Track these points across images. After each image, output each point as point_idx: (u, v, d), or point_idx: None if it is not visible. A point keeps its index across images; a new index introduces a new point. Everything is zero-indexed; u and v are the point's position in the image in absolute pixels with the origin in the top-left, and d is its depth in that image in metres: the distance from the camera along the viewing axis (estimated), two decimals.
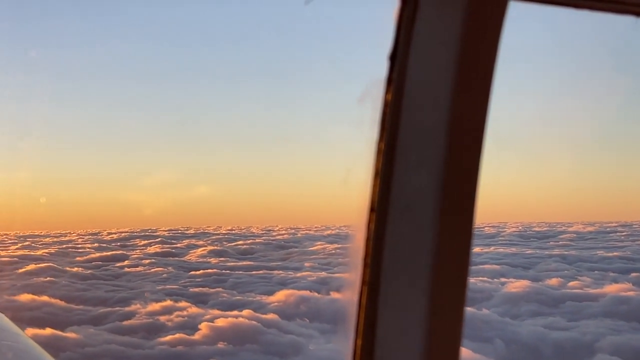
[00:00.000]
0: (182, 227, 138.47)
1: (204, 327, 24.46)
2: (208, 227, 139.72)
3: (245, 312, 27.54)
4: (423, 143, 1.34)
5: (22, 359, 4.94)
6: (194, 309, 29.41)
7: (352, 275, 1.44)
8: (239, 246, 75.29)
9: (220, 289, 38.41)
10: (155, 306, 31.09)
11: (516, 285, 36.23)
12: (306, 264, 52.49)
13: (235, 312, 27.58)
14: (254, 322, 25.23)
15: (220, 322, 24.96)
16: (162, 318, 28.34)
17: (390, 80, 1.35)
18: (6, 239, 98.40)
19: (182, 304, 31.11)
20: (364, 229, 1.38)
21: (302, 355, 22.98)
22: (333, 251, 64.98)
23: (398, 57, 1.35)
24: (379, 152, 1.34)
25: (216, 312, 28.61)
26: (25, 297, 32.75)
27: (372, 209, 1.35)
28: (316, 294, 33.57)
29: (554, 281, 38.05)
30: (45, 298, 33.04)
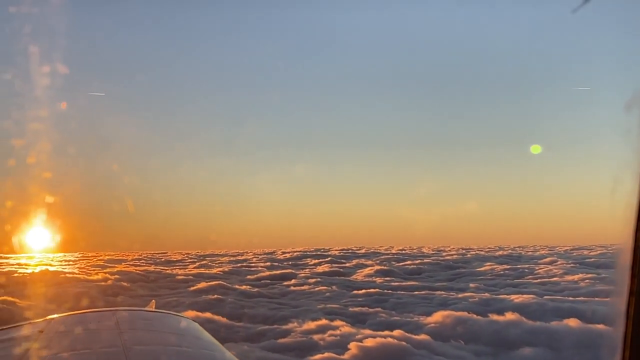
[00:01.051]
0: (354, 247, 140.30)
1: (353, 347, 24.29)
2: (380, 247, 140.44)
3: (396, 332, 27.07)
4: None
5: None
6: (347, 329, 29.30)
7: (618, 287, 1.37)
8: (407, 266, 74.92)
9: (379, 309, 38.08)
10: (310, 325, 31.33)
11: None
12: (471, 285, 51.15)
13: (386, 332, 27.21)
14: (403, 343, 24.74)
15: (369, 342, 24.70)
16: (316, 337, 28.45)
17: None
18: (186, 258, 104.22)
19: (337, 322, 31.09)
20: (631, 238, 1.33)
21: None
22: (501, 272, 62.96)
23: None
24: None
25: (368, 332, 28.36)
26: (189, 314, 34.11)
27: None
28: (474, 316, 32.45)
29: None
30: (208, 314, 34.25)
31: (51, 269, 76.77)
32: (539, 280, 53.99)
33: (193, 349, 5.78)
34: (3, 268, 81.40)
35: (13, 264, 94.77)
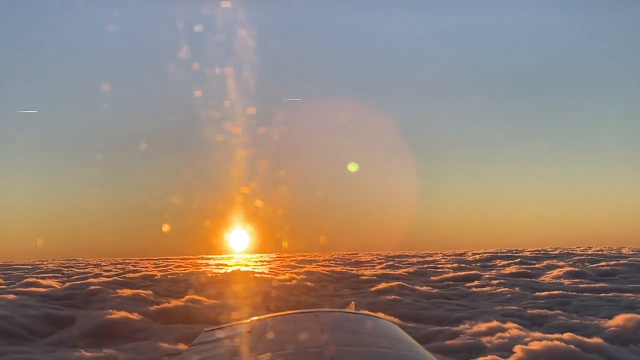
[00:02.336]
0: (549, 248, 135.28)
1: (518, 350, 23.68)
2: (577, 247, 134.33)
3: (567, 335, 25.97)
4: None
5: None
6: (516, 331, 28.49)
7: None
8: (600, 267, 71.15)
9: (559, 311, 36.68)
10: (481, 327, 30.83)
11: None
12: None
13: (555, 335, 26.20)
14: (571, 347, 23.72)
15: (534, 345, 23.92)
16: (485, 339, 27.98)
17: None
18: (375, 259, 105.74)
19: (509, 325, 30.32)
20: None
21: None
22: None
23: None
24: None
25: (538, 334, 27.41)
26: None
27: None
28: None
29: None
30: (380, 314, 34.73)
31: (244, 269, 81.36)
32: None
33: (394, 350, 5.81)
34: (199, 268, 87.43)
35: (211, 265, 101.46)
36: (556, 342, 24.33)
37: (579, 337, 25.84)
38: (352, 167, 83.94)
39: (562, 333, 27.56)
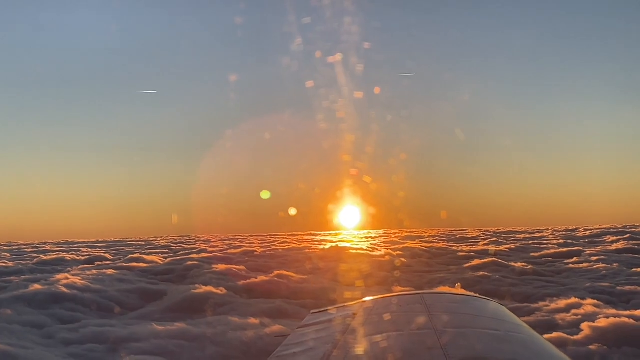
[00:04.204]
0: None
1: (585, 327, 23.05)
2: None
3: (638, 312, 25.08)
4: None
5: (533, 352, 5.29)
6: (591, 308, 27.68)
7: None
8: None
9: None
10: (560, 304, 30.14)
11: None
12: None
13: (628, 312, 25.28)
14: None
15: (601, 323, 23.17)
16: (560, 316, 27.39)
17: None
18: (482, 235, 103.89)
19: (587, 301, 29.49)
20: None
21: None
22: None
23: None
24: None
25: (612, 311, 26.53)
26: (441, 289, 34.60)
27: None
28: None
29: None
30: (462, 291, 34.48)
31: (345, 245, 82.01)
32: None
33: (502, 331, 5.74)
34: (301, 244, 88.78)
35: (316, 241, 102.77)
36: (624, 319, 23.54)
37: None
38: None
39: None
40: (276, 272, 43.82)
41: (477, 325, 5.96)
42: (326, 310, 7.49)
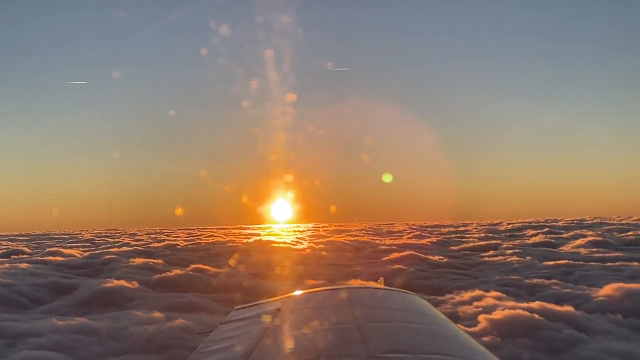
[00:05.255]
0: (588, 217, 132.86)
1: (482, 319, 23.51)
2: (618, 216, 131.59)
3: (535, 304, 25.70)
4: None
5: (452, 344, 5.34)
6: (492, 300, 28.27)
7: None
8: (627, 237, 69.63)
9: (556, 281, 36.21)
10: (465, 296, 30.71)
11: None
12: None
13: (524, 304, 25.92)
14: (535, 316, 23.44)
15: (497, 315, 23.68)
16: (462, 308, 27.88)
17: None
18: (407, 229, 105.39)
19: (491, 294, 30.14)
20: None
21: (569, 353, 20.67)
22: None
23: None
24: None
25: (512, 303, 27.14)
26: (354, 283, 34.87)
27: None
28: None
29: None
30: (372, 284, 34.80)
31: (269, 238, 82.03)
32: None
33: (424, 325, 5.82)
34: (226, 238, 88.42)
35: (242, 234, 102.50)
36: (520, 311, 24.11)
37: (549, 306, 25.56)
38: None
39: (555, 302, 27.34)
40: (193, 266, 43.51)
41: (399, 319, 6.04)
42: (250, 305, 7.50)
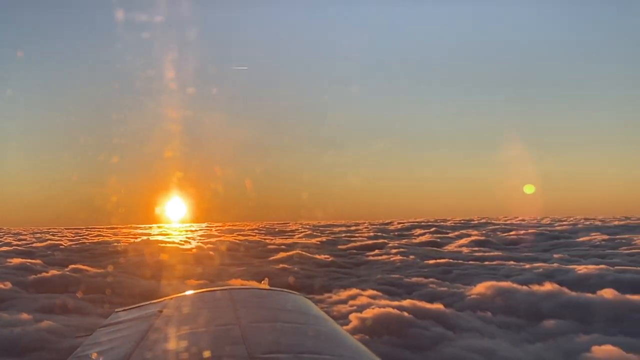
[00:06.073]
0: (476, 217, 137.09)
1: (353, 318, 23.63)
2: (504, 217, 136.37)
3: (406, 302, 26.12)
4: None
5: (332, 343, 5.31)
6: (366, 300, 28.52)
7: None
8: (509, 237, 72.15)
9: (434, 279, 36.94)
10: (342, 295, 30.87)
11: None
12: (555, 256, 48.41)
13: (396, 303, 26.25)
14: (405, 314, 23.74)
15: (368, 314, 23.85)
16: (337, 307, 27.96)
17: None
18: (300, 229, 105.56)
19: (368, 292, 30.42)
20: None
21: (433, 351, 21.01)
22: (599, 243, 59.32)
23: None
24: None
25: (385, 302, 27.42)
26: (235, 282, 34.47)
27: None
28: (522, 287, 30.71)
29: None
30: (253, 283, 34.52)
31: (158, 238, 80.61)
32: (632, 251, 50.51)
33: (305, 325, 5.82)
34: (113, 237, 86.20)
35: (132, 234, 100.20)
36: (389, 309, 24.36)
37: (420, 304, 25.98)
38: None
39: (429, 301, 27.85)
40: (71, 266, 42.13)
41: (281, 319, 6.03)
42: (132, 308, 7.27)
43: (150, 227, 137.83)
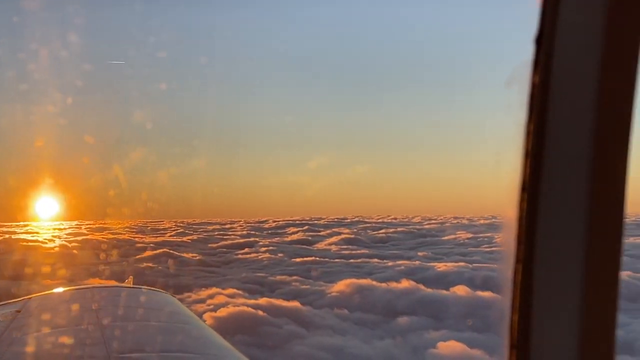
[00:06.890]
0: (350, 216, 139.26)
1: (207, 317, 23.33)
2: (378, 216, 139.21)
3: (263, 300, 26.17)
4: (571, 123, 1.35)
5: (196, 341, 5.31)
6: (223, 298, 28.32)
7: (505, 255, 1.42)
8: (378, 235, 73.39)
9: (298, 277, 37.08)
10: (202, 294, 30.48)
11: None
12: (419, 253, 49.75)
13: (252, 301, 26.22)
14: (259, 312, 23.70)
15: (222, 312, 23.68)
16: (195, 307, 27.43)
17: (537, 63, 1.38)
18: (174, 227, 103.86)
19: (228, 291, 30.20)
20: (516, 208, 1.41)
21: (282, 349, 21.09)
22: (463, 241, 61.50)
23: (544, 40, 1.35)
24: (528, 133, 1.39)
25: (241, 300, 27.32)
26: (93, 282, 33.39)
27: (523, 189, 1.39)
28: (381, 285, 31.33)
29: None
30: (113, 282, 33.51)
31: (22, 236, 76.98)
32: (493, 249, 52.61)
33: (170, 323, 5.84)
34: None
35: None
36: (244, 308, 24.27)
37: (276, 302, 26.06)
38: None
39: (287, 299, 27.88)
40: None
41: (144, 318, 5.97)
42: None
43: (17, 226, 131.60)
